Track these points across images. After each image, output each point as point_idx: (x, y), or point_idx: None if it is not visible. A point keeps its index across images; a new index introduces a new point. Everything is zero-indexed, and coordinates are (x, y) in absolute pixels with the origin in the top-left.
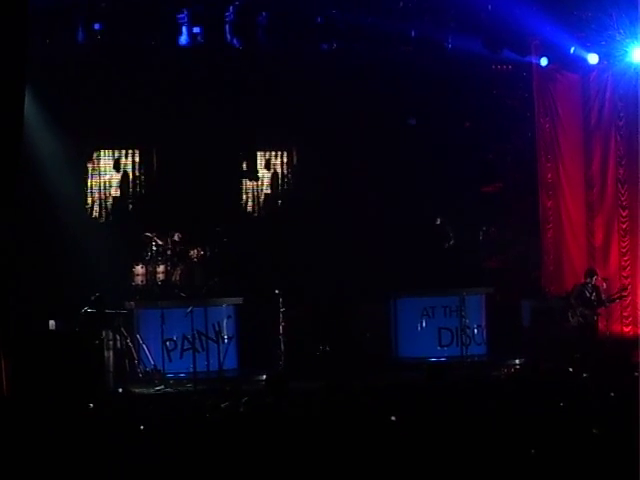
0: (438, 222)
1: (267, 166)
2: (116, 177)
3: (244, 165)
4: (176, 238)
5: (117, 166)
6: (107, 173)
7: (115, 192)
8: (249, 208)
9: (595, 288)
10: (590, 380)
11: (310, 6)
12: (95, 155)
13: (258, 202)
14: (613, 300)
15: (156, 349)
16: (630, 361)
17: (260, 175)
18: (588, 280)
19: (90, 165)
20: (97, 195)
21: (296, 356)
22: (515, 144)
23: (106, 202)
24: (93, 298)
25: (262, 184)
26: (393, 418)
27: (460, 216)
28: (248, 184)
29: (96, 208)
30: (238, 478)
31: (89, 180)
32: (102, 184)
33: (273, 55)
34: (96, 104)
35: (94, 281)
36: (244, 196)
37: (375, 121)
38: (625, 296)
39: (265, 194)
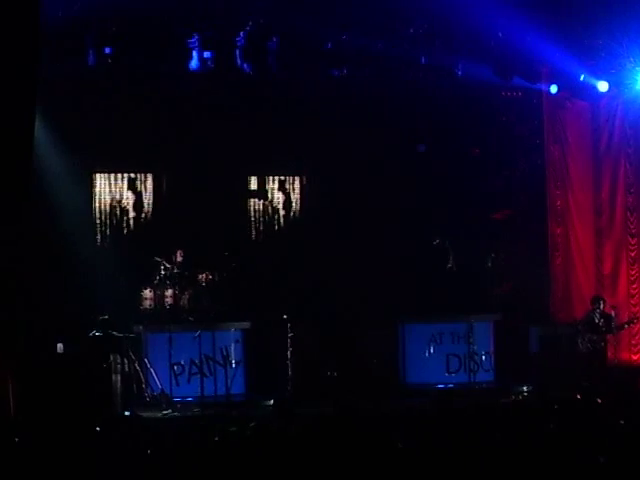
0: (436, 242)
1: (278, 190)
2: (125, 200)
3: (254, 184)
4: (179, 257)
5: (127, 189)
6: (116, 196)
7: (124, 215)
8: (258, 233)
9: (604, 315)
10: (599, 407)
11: (321, 32)
12: (104, 178)
13: (267, 227)
14: (622, 327)
15: (164, 373)
16: (638, 388)
17: (269, 197)
18: (596, 306)
19: (98, 188)
20: (105, 218)
21: (304, 381)
22: (524, 171)
23: (114, 225)
24: (100, 319)
25: (271, 209)
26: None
27: (469, 242)
28: (257, 206)
29: (105, 230)
30: None
31: (97, 203)
32: (110, 207)
33: (283, 80)
34: (106, 127)
35: (102, 304)
36: (253, 221)
37: (385, 147)
38: (634, 323)
39: (274, 219)
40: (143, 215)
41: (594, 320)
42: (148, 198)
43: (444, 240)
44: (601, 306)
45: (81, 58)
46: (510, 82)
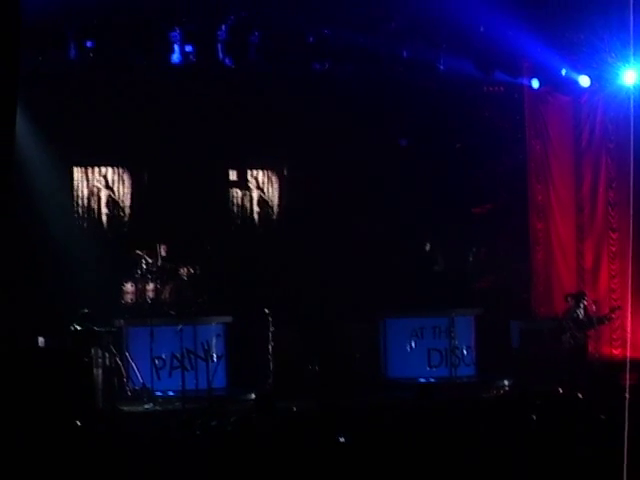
0: (427, 248)
1: (258, 184)
2: (105, 194)
3: (233, 175)
4: (163, 252)
5: (107, 183)
6: (97, 190)
7: (105, 210)
8: (239, 227)
9: (585, 310)
10: (580, 401)
11: (302, 26)
12: (85, 172)
13: (248, 221)
14: (603, 321)
15: (145, 367)
16: (619, 383)
17: (250, 189)
18: (578, 302)
19: (79, 182)
20: (86, 212)
21: (285, 375)
22: (506, 165)
23: (95, 219)
24: (81, 313)
25: (252, 203)
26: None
27: (450, 237)
28: (238, 200)
29: (85, 225)
30: None
31: (78, 197)
32: (91, 201)
33: (265, 74)
34: (87, 120)
35: (83, 298)
36: (234, 215)
37: (366, 141)
38: (614, 318)
39: (255, 213)
40: (123, 209)
41: (577, 316)
42: (128, 192)
43: (434, 245)
44: (584, 301)
45: (62, 51)
46: (492, 77)
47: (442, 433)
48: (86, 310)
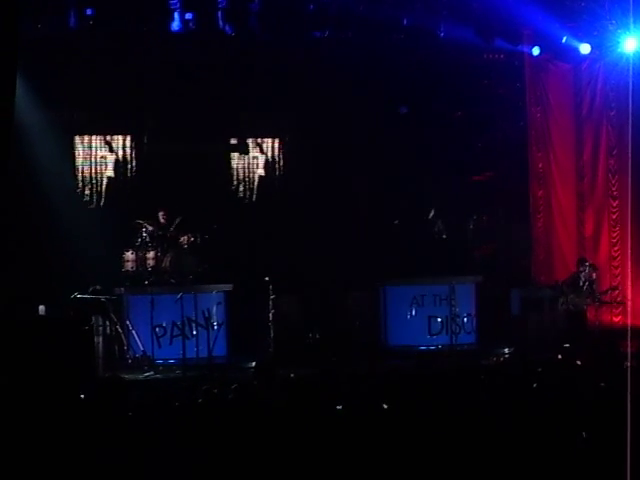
0: (431, 215)
1: (259, 152)
2: (106, 162)
3: (234, 140)
4: (161, 219)
5: (107, 151)
6: (97, 158)
7: (105, 177)
8: (239, 195)
9: (588, 278)
10: (579, 369)
11: None
12: (85, 139)
13: (249, 189)
14: (604, 294)
15: (145, 335)
16: (619, 351)
17: (251, 155)
18: (581, 269)
19: (80, 150)
20: (87, 180)
21: (285, 343)
22: (506, 133)
23: (96, 187)
24: (91, 289)
25: (253, 171)
26: (385, 406)
27: (450, 205)
28: (238, 167)
29: (86, 193)
30: (226, 465)
31: (79, 165)
32: (92, 169)
33: (265, 42)
34: (87, 88)
35: (84, 267)
36: (235, 183)
37: (366, 109)
38: (611, 299)
39: (256, 181)
40: (124, 177)
41: (578, 282)
42: (129, 160)
43: (437, 212)
44: (586, 269)
45: (62, 19)
46: (492, 44)
47: (442, 400)
48: (97, 286)
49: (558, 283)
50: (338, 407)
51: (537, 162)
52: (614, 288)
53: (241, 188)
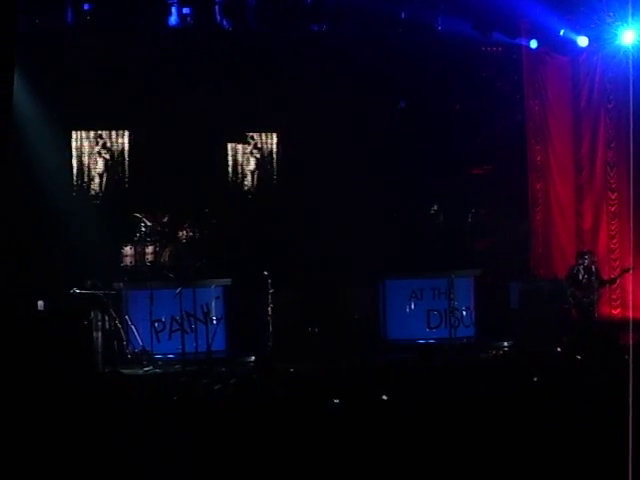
0: (434, 209)
1: (256, 146)
2: (104, 157)
3: (231, 132)
4: (165, 218)
5: (105, 146)
6: (95, 153)
7: (103, 172)
8: (238, 190)
9: (588, 270)
10: (580, 362)
11: None
12: (83, 134)
13: (247, 184)
14: (614, 280)
15: (144, 330)
16: (619, 344)
17: (249, 152)
18: (580, 262)
19: (78, 144)
20: (85, 175)
21: (284, 338)
22: (505, 126)
23: (94, 182)
24: (89, 283)
25: (251, 165)
26: (384, 397)
27: (449, 198)
28: (237, 161)
29: (84, 187)
30: (225, 458)
31: (77, 160)
32: (90, 163)
33: (263, 36)
34: (85, 84)
35: (82, 261)
36: (233, 177)
37: (364, 103)
38: (617, 280)
39: (254, 176)
40: (122, 171)
41: (578, 276)
42: (127, 154)
43: (440, 207)
44: (585, 262)
45: (60, 14)
46: (490, 37)
47: (441, 394)
48: (95, 281)
49: (557, 277)
50: (335, 401)
51: (535, 155)
52: (626, 270)
53: (239, 182)
